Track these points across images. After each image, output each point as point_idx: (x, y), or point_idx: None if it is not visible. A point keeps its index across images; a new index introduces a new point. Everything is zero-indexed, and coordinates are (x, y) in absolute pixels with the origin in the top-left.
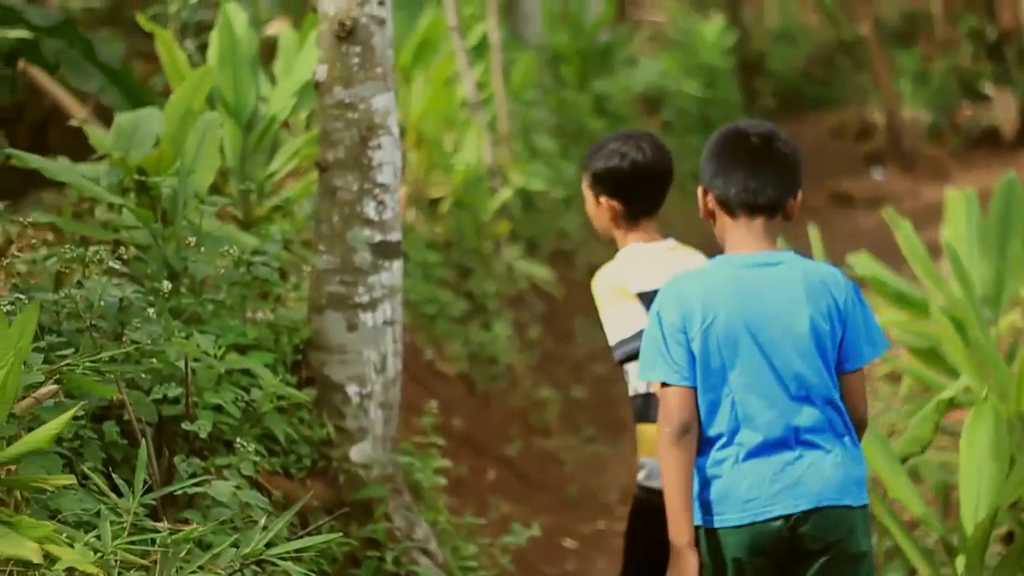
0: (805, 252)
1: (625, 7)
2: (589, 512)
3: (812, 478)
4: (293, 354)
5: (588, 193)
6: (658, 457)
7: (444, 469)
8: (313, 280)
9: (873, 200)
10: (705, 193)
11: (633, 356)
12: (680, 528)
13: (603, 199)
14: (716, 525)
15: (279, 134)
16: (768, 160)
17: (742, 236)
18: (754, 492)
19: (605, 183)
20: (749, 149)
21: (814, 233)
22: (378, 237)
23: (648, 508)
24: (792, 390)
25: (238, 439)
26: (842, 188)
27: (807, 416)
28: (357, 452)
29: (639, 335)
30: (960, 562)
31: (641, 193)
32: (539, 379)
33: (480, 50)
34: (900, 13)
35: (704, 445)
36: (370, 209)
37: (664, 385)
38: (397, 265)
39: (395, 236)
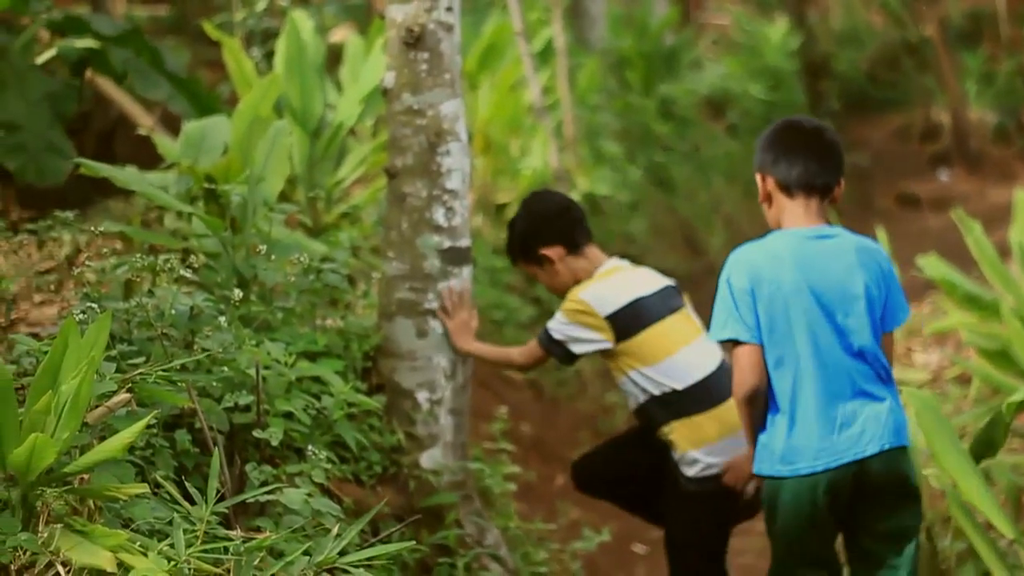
0: None
1: (690, 10)
2: None
3: (873, 425)
4: (363, 361)
5: (533, 268)
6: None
7: (514, 475)
8: (382, 287)
9: (940, 201)
10: (764, 178)
11: (551, 354)
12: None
13: (544, 253)
14: (792, 474)
15: (346, 141)
16: (823, 147)
17: (801, 214)
18: (825, 442)
19: (533, 239)
20: (807, 137)
21: (881, 235)
22: (447, 243)
23: (712, 496)
24: (849, 346)
25: (309, 446)
26: (908, 190)
27: (862, 370)
28: (427, 458)
29: (568, 353)
30: None
31: (565, 226)
32: (607, 384)
33: (545, 55)
34: (965, 13)
35: (774, 399)
36: (439, 215)
37: (735, 345)
38: (467, 271)
39: (464, 242)
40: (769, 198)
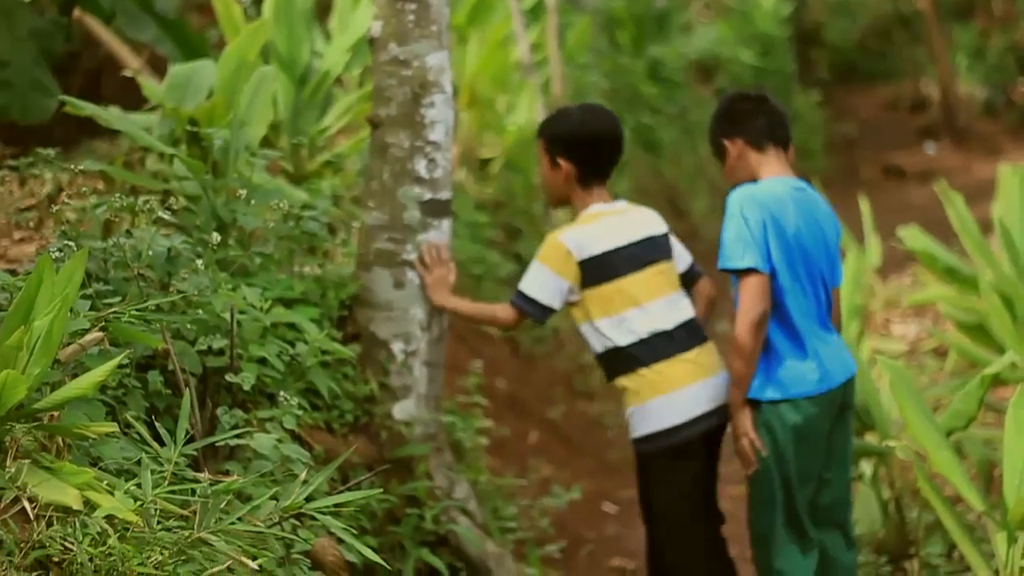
0: (856, 224)
1: None
2: (630, 477)
3: (844, 353)
4: (339, 310)
5: (544, 157)
6: (736, 338)
7: (486, 430)
8: (361, 236)
9: (925, 174)
10: (732, 142)
11: (527, 314)
12: (742, 392)
13: (561, 161)
14: (801, 395)
15: (332, 90)
16: (773, 106)
17: (776, 165)
18: (822, 367)
19: (562, 145)
20: (757, 101)
21: (864, 205)
22: (428, 195)
23: (669, 454)
24: (825, 285)
25: (281, 392)
26: (895, 161)
27: (828, 308)
28: (400, 410)
29: (543, 310)
30: (1000, 539)
31: (596, 157)
32: (584, 343)
33: (536, 12)
34: None
35: (780, 334)
36: (421, 167)
37: (747, 275)
38: (446, 224)
39: (445, 195)
40: (737, 161)
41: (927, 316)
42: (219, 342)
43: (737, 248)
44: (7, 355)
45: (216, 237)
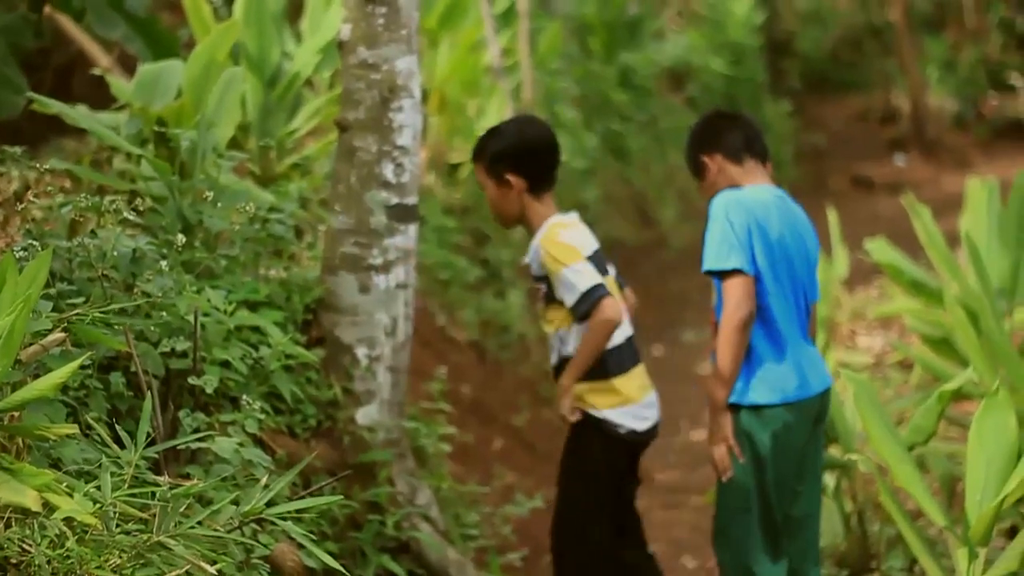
0: (823, 234)
1: None
2: None
3: (823, 366)
4: (304, 313)
5: (488, 180)
6: (721, 340)
7: (450, 436)
8: (328, 240)
9: (894, 186)
10: (711, 158)
11: (596, 299)
12: (725, 394)
13: (509, 177)
14: (777, 401)
15: (302, 92)
16: (749, 122)
17: (758, 175)
18: (802, 374)
19: (507, 161)
20: (733, 117)
21: (832, 216)
22: (395, 200)
23: (619, 443)
24: (806, 295)
25: (244, 396)
26: (863, 172)
27: (809, 318)
28: (363, 415)
29: (599, 287)
30: (961, 554)
31: (541, 164)
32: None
33: (507, 17)
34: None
35: (762, 338)
36: (388, 171)
37: (733, 276)
38: (412, 229)
39: (412, 199)
40: (717, 176)
41: (893, 328)
42: (182, 344)
43: (723, 250)
44: None
45: (181, 239)
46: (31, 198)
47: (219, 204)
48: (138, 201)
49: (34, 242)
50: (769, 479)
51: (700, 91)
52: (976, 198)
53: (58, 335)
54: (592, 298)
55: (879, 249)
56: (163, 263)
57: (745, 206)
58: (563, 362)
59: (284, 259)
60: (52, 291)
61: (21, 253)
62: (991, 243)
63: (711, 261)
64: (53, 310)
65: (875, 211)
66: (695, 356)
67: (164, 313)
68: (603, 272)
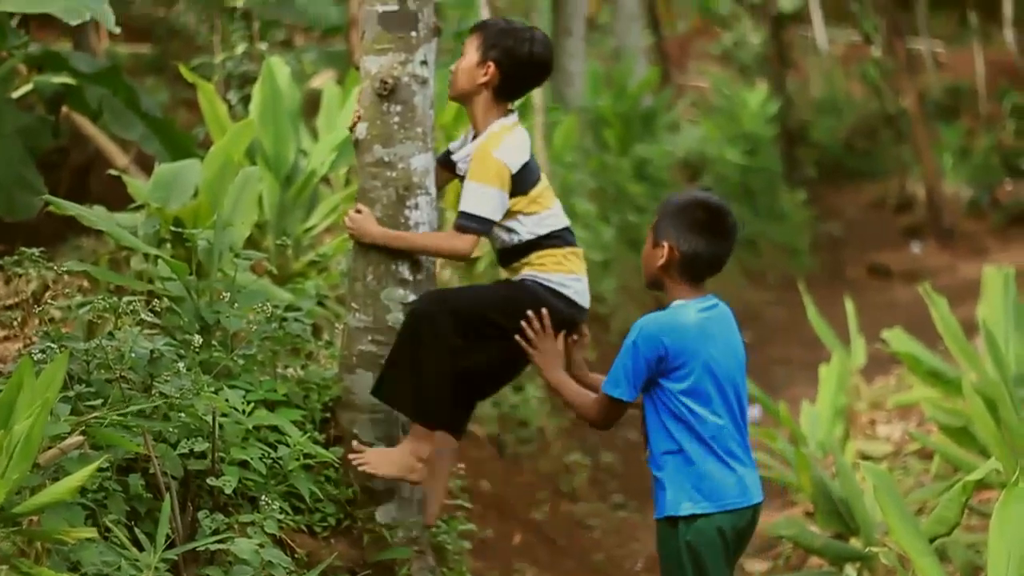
0: (841, 324)
1: (669, 72)
2: None
3: (757, 478)
4: (322, 411)
5: (474, 52)
6: (594, 412)
7: (470, 532)
8: (345, 338)
9: (911, 274)
10: (672, 251)
11: (474, 231)
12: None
13: (491, 65)
14: (714, 510)
15: (318, 189)
16: (734, 238)
17: (695, 288)
18: (742, 482)
19: (502, 53)
20: (728, 229)
21: (849, 306)
22: (412, 297)
23: (553, 312)
24: (741, 408)
25: (263, 496)
26: (880, 261)
27: (744, 430)
28: (383, 513)
29: (487, 223)
30: None
31: (523, 81)
32: (569, 443)
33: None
34: (944, 87)
35: (698, 447)
36: (404, 269)
37: (615, 400)
38: None
39: None
40: (663, 266)
41: (912, 417)
42: (201, 445)
43: (618, 376)
44: None
45: (199, 339)
46: (49, 299)
47: (236, 304)
48: (155, 302)
49: (52, 344)
50: None
51: (716, 181)
52: (993, 286)
53: (76, 438)
54: (471, 225)
55: (897, 339)
56: (181, 364)
57: (660, 336)
58: (505, 251)
59: (302, 357)
60: (70, 393)
61: (39, 355)
62: (1008, 332)
63: (608, 386)
64: (71, 412)
65: (892, 299)
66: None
67: (182, 414)
68: (539, 172)
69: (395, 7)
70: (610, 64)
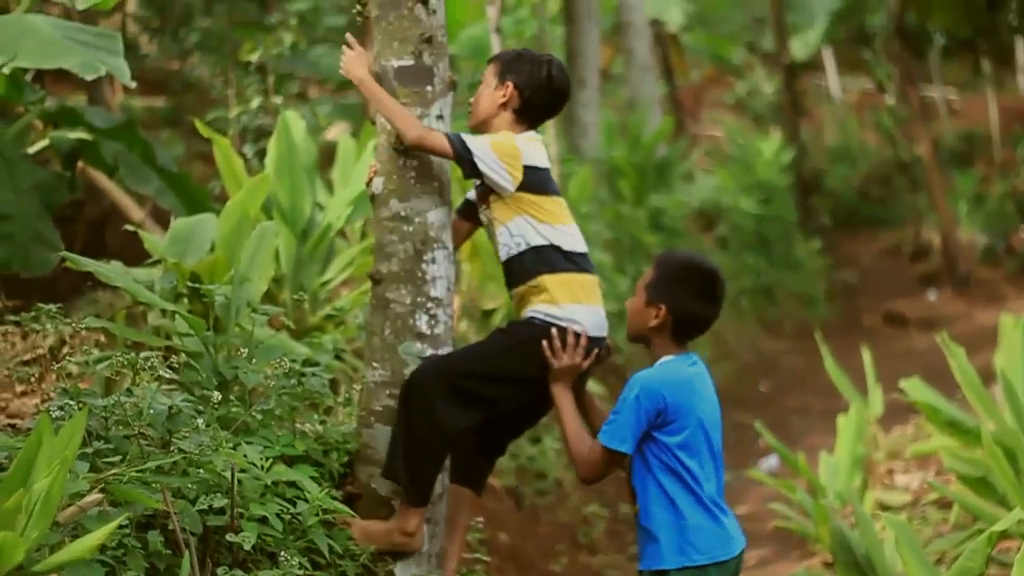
0: (858, 373)
1: (683, 122)
2: None
3: (736, 522)
4: (341, 466)
5: (492, 77)
6: (588, 462)
7: None
8: (363, 393)
9: (927, 321)
10: (668, 313)
11: (457, 154)
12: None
13: (510, 86)
14: (706, 562)
15: (334, 242)
16: (723, 302)
17: (681, 347)
18: (727, 533)
19: (520, 76)
20: (721, 295)
21: (867, 355)
22: (429, 351)
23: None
24: (720, 460)
25: (282, 552)
26: (896, 309)
27: (721, 477)
28: (402, 568)
29: (467, 151)
30: None
31: (544, 106)
32: (587, 495)
33: None
34: (958, 134)
35: (690, 500)
36: (422, 323)
37: (614, 453)
38: None
39: (446, 350)
40: (655, 327)
41: (931, 466)
42: (220, 501)
43: (621, 431)
44: (6, 518)
45: (217, 395)
46: (66, 355)
47: (254, 359)
48: (173, 357)
49: (70, 400)
50: None
51: (731, 231)
52: (1010, 336)
53: (95, 496)
54: (452, 136)
55: (914, 388)
56: (199, 420)
57: (657, 395)
58: (512, 263)
59: (320, 412)
60: (89, 450)
61: (57, 412)
62: None
63: (609, 438)
64: (90, 469)
65: (909, 347)
66: (734, 497)
67: (201, 470)
68: (559, 192)
69: (411, 62)
70: (624, 114)
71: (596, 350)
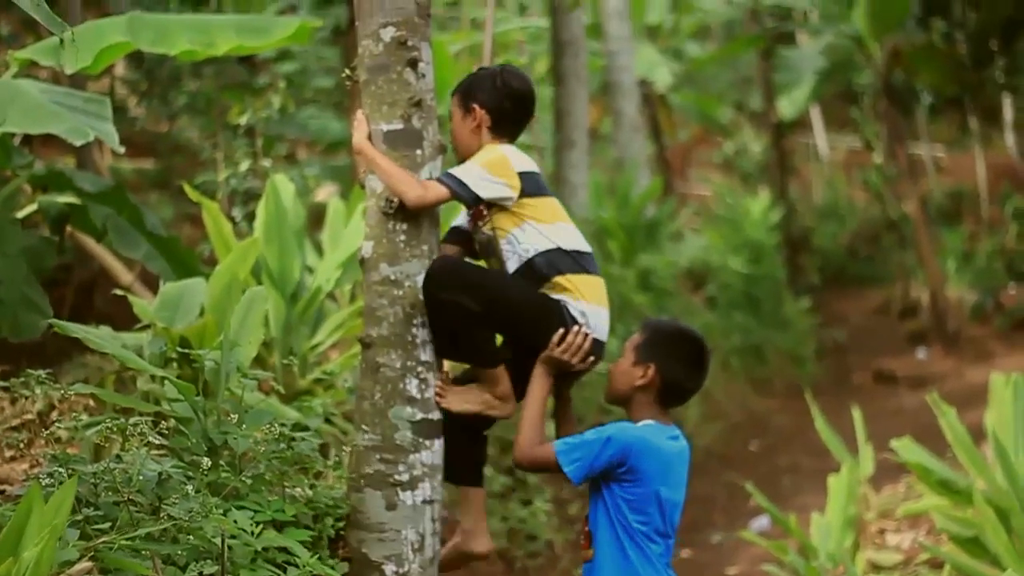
0: (848, 432)
1: (671, 181)
2: None
3: None
4: (332, 530)
5: (458, 109)
6: (531, 452)
7: None
8: (353, 458)
9: (917, 380)
10: (658, 373)
11: (456, 194)
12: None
13: (476, 108)
14: None
15: (324, 305)
16: (706, 368)
17: (663, 413)
18: None
19: (481, 94)
20: (707, 364)
21: (857, 414)
22: (420, 415)
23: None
24: (671, 539)
25: None
26: (886, 367)
27: (671, 550)
28: None
29: (464, 188)
30: None
31: (514, 111)
32: (578, 556)
33: None
34: (946, 192)
35: (641, 558)
36: (412, 387)
37: (560, 464)
38: (438, 444)
39: (436, 415)
40: (643, 391)
41: (922, 526)
42: (210, 567)
43: (578, 454)
44: None
45: (207, 461)
46: (55, 420)
47: (244, 424)
48: (163, 423)
49: (59, 468)
50: None
51: (720, 290)
52: (1001, 395)
53: (85, 564)
54: (446, 180)
55: (905, 448)
56: (189, 486)
57: (629, 451)
58: (519, 268)
59: (310, 476)
60: (79, 517)
61: (46, 480)
62: (1018, 440)
63: (565, 455)
64: (80, 537)
65: (899, 405)
66: (725, 558)
67: (191, 536)
68: (547, 193)
69: (400, 126)
70: (613, 174)
71: (591, 358)
